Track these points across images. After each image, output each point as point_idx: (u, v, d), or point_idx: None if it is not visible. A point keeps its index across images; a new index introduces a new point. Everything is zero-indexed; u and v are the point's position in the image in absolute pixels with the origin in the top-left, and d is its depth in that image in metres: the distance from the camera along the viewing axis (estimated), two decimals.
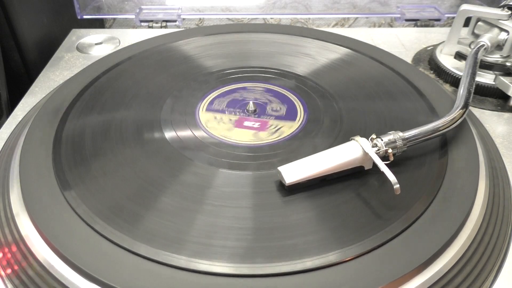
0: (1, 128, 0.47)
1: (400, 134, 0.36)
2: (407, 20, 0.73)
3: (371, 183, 0.36)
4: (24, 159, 0.38)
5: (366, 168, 0.36)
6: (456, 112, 0.40)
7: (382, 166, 0.34)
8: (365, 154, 0.35)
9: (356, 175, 0.36)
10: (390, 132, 0.37)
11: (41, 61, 0.61)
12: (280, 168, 0.35)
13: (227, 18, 0.88)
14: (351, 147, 0.36)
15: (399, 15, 0.74)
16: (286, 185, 0.34)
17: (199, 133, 0.42)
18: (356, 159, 0.35)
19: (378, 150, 0.35)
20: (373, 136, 0.36)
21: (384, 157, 0.35)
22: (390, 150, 0.35)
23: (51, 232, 0.32)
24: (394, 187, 0.32)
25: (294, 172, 0.34)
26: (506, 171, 0.41)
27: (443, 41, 0.59)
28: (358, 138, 0.36)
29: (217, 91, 0.48)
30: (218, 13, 0.83)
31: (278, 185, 0.36)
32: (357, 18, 0.92)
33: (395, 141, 0.36)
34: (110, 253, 0.30)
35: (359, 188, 0.35)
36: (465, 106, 0.41)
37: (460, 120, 0.40)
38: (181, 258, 0.30)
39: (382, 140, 0.36)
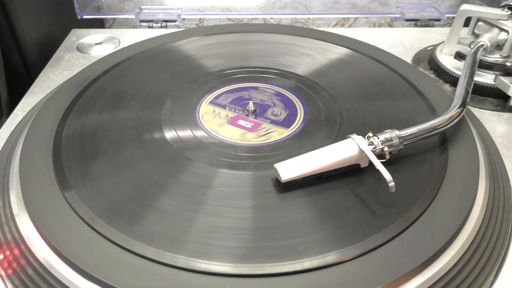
0: (1, 128, 0.47)
1: (397, 132, 0.36)
2: (407, 20, 0.73)
3: (372, 183, 0.36)
4: (24, 159, 0.38)
5: (362, 166, 0.36)
6: (453, 111, 0.40)
7: (378, 164, 0.34)
8: (361, 152, 0.35)
9: (356, 175, 0.36)
10: (386, 131, 0.37)
11: (41, 61, 0.61)
12: (276, 165, 0.35)
13: (227, 18, 0.88)
14: (347, 145, 0.36)
15: (399, 15, 0.74)
16: (282, 182, 0.34)
17: (199, 133, 0.42)
18: (352, 157, 0.35)
19: (374, 148, 0.35)
20: (370, 134, 0.36)
21: (380, 155, 0.35)
22: (386, 148, 0.35)
23: (51, 232, 0.32)
24: (389, 185, 0.32)
25: (290, 169, 0.35)
26: (506, 171, 0.41)
27: (443, 41, 0.59)
28: (354, 136, 0.36)
29: (227, 87, 0.48)
30: (218, 13, 0.83)
31: (278, 185, 0.36)
32: (357, 18, 0.92)
33: (391, 139, 0.36)
34: (110, 253, 0.30)
35: (359, 188, 0.35)
36: (463, 105, 0.41)
37: (457, 119, 0.40)
38: (181, 258, 0.30)
39: (378, 138, 0.36)
